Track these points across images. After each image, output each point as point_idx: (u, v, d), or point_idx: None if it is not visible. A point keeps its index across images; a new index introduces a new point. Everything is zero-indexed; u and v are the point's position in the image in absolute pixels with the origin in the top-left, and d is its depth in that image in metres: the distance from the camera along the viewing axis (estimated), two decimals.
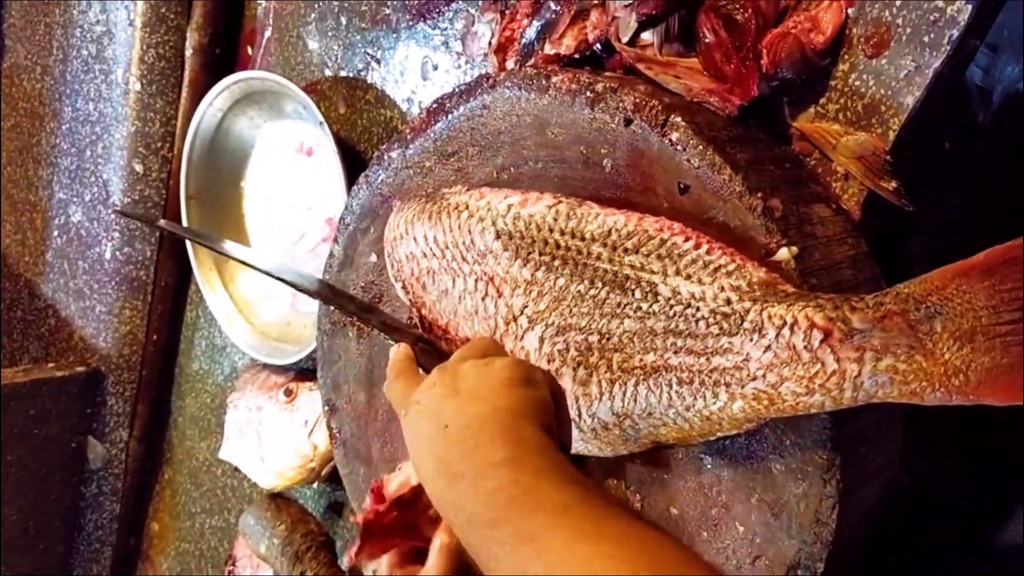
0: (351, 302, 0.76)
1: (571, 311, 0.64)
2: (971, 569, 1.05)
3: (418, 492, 0.72)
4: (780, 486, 0.63)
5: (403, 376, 0.68)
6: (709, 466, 0.66)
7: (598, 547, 0.46)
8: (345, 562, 0.86)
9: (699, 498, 0.67)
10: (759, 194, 0.62)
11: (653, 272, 0.61)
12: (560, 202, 0.66)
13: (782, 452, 0.62)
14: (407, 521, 0.73)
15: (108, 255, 1.23)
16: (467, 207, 0.70)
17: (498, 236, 0.68)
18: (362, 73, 1.01)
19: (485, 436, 0.55)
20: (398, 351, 0.71)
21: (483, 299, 0.69)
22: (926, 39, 0.64)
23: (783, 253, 0.60)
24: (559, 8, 0.78)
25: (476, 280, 0.69)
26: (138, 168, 1.17)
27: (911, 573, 1.06)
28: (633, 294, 0.61)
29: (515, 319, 0.67)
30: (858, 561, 0.68)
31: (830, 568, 0.62)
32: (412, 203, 0.76)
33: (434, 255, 0.72)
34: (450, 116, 0.79)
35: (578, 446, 0.67)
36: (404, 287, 0.77)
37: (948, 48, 0.63)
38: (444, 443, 0.57)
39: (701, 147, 0.63)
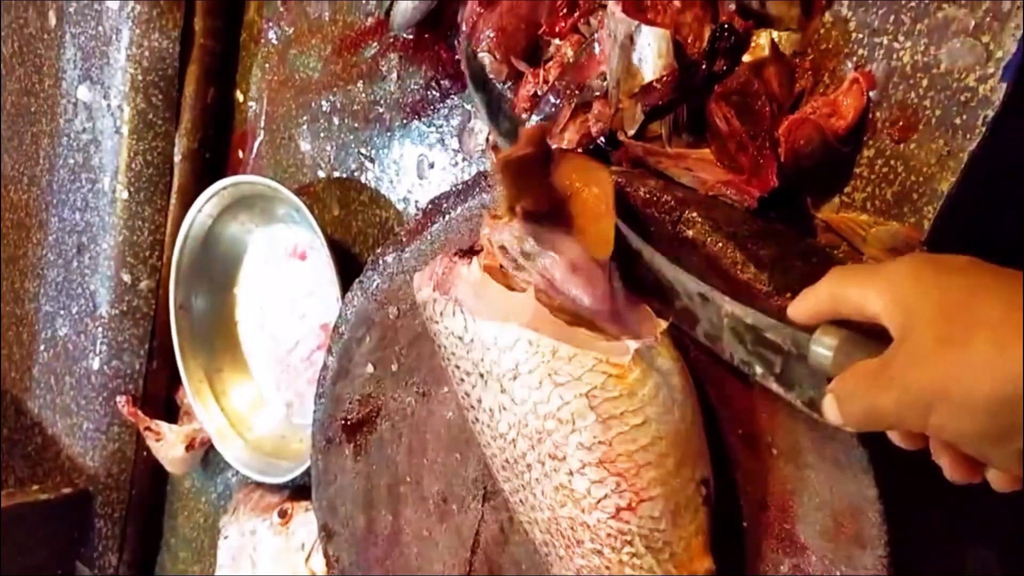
0: None
1: None
2: None
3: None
4: None
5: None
6: None
7: None
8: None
9: None
10: (788, 295, 0.56)
11: None
12: None
13: None
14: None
15: (96, 368, 1.17)
16: None
17: None
18: (356, 174, 0.97)
19: None
20: None
21: None
22: (957, 121, 0.59)
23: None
24: (559, 101, 0.74)
25: None
26: (126, 278, 1.12)
27: None
28: None
29: None
30: None
31: None
32: None
33: None
34: (447, 217, 0.74)
35: None
36: None
37: (983, 129, 0.58)
38: None
39: (720, 244, 0.58)
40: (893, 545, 0.52)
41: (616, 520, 0.58)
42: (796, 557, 0.56)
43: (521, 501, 0.64)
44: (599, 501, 0.59)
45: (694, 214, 0.59)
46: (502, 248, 0.61)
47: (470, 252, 0.66)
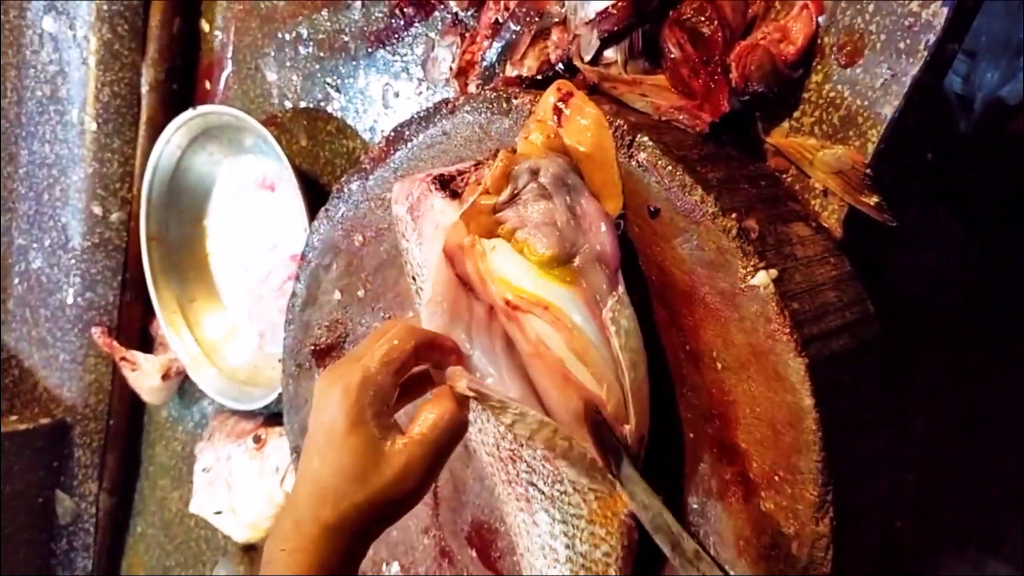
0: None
1: None
2: None
3: None
4: (771, 526, 0.58)
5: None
6: (695, 506, 0.62)
7: None
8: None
9: None
10: (733, 215, 0.58)
11: None
12: None
13: (773, 489, 0.58)
14: None
15: (70, 301, 1.18)
16: None
17: None
18: (322, 104, 0.97)
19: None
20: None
21: None
22: (902, 45, 0.60)
23: (761, 277, 0.56)
24: (519, 28, 0.75)
25: None
26: (97, 210, 1.13)
27: None
28: None
29: None
30: None
31: None
32: None
33: None
34: (410, 144, 0.75)
35: None
36: None
37: (925, 54, 0.59)
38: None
39: (670, 168, 0.59)
40: (828, 451, 0.55)
41: (546, 463, 0.62)
42: (738, 464, 0.59)
43: (472, 420, 0.67)
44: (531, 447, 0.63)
45: (646, 138, 0.61)
46: (509, 177, 0.60)
47: (448, 185, 0.66)
